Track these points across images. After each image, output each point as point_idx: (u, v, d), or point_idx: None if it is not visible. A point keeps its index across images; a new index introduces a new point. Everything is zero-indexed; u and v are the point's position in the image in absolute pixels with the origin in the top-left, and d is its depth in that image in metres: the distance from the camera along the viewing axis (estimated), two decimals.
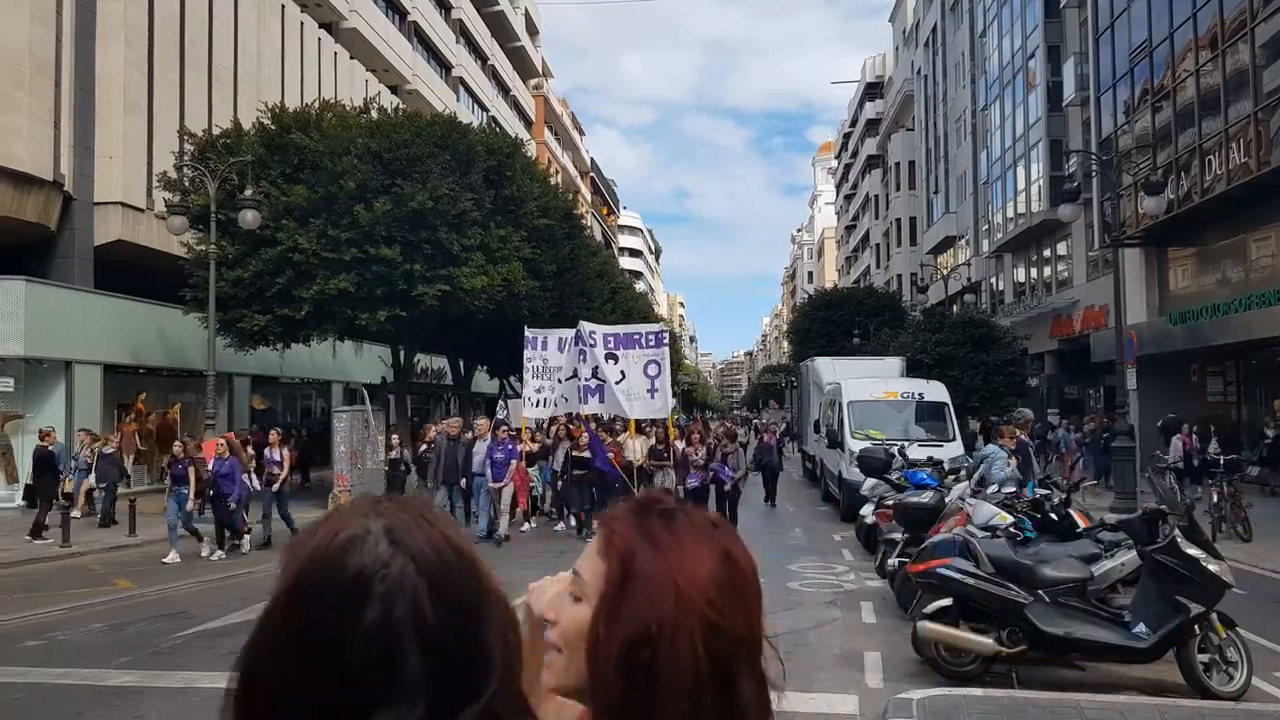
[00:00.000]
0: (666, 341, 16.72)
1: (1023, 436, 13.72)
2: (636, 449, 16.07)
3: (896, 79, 63.05)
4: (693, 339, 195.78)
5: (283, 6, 29.91)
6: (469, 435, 16.29)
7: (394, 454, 17.81)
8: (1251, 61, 19.78)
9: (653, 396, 16.24)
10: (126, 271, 22.50)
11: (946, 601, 7.17)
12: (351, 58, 35.01)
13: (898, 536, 10.24)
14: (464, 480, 15.57)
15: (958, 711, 6.01)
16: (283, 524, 14.69)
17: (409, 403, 25.69)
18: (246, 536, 14.34)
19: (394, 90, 38.46)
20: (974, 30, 43.47)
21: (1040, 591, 7.02)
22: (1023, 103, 35.21)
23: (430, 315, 19.73)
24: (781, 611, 9.71)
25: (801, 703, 6.67)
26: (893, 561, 9.76)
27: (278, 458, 14.90)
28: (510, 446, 15.52)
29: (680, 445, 17.38)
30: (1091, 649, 6.93)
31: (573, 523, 16.30)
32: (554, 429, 17.73)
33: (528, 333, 17.69)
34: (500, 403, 22.43)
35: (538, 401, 17.39)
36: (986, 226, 40.67)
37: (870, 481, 13.30)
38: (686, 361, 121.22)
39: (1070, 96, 31.25)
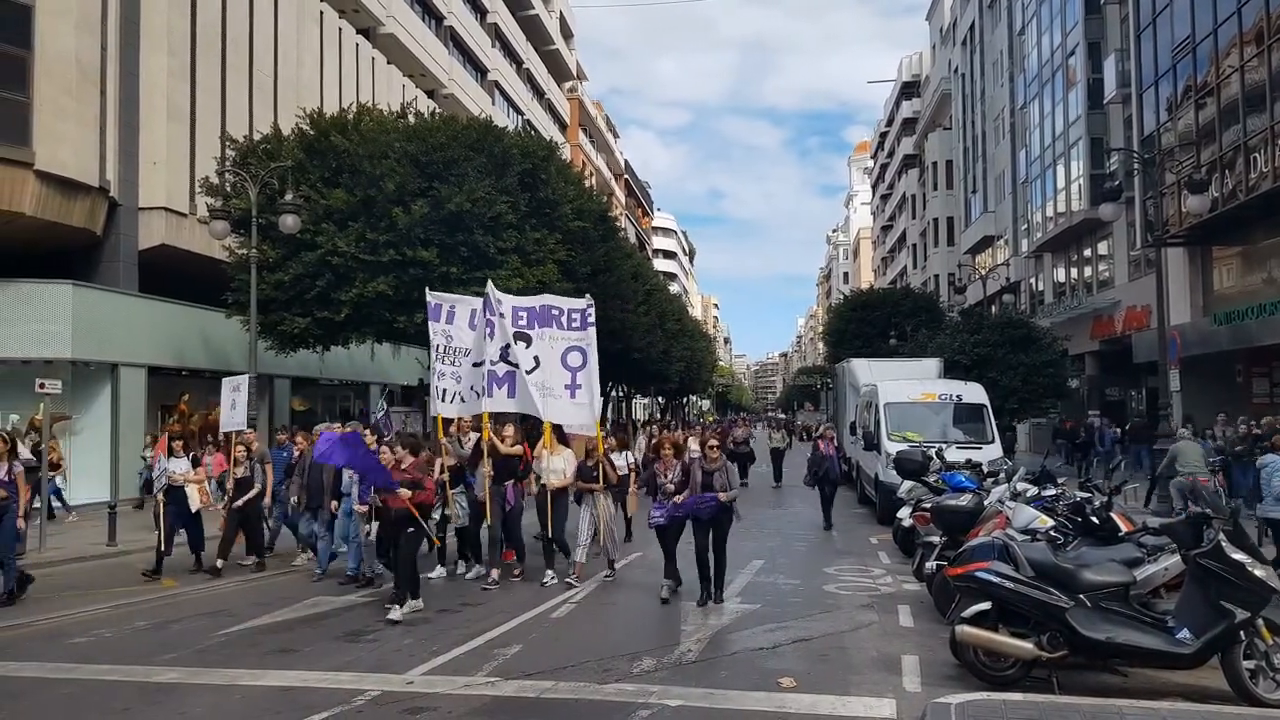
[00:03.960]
0: (592, 322, 12.32)
1: None
2: (557, 467, 11.73)
3: (933, 78, 62.54)
4: (727, 340, 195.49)
5: (321, 13, 30.28)
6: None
7: (241, 469, 12.93)
8: None
9: (573, 396, 12.00)
10: (170, 275, 22.90)
11: (985, 605, 7.11)
12: (389, 63, 35.34)
13: (935, 539, 10.16)
14: (336, 503, 11.92)
15: (997, 716, 5.95)
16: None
17: None
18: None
19: (430, 95, 38.80)
20: (1012, 28, 43.03)
21: (1081, 596, 6.94)
22: (1062, 100, 34.77)
23: None
24: (818, 614, 9.68)
25: (839, 706, 6.66)
26: (930, 565, 9.69)
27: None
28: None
29: (629, 459, 14.59)
30: (1134, 654, 6.83)
31: (481, 569, 11.89)
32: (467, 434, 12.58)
33: (429, 297, 12.93)
34: (380, 401, 17.58)
35: (442, 393, 12.53)
36: (1025, 226, 40.21)
37: (907, 484, 13.20)
38: (721, 363, 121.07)
39: (1111, 94, 30.80)
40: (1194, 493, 14.03)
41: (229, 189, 20.00)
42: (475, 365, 12.32)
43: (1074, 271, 36.89)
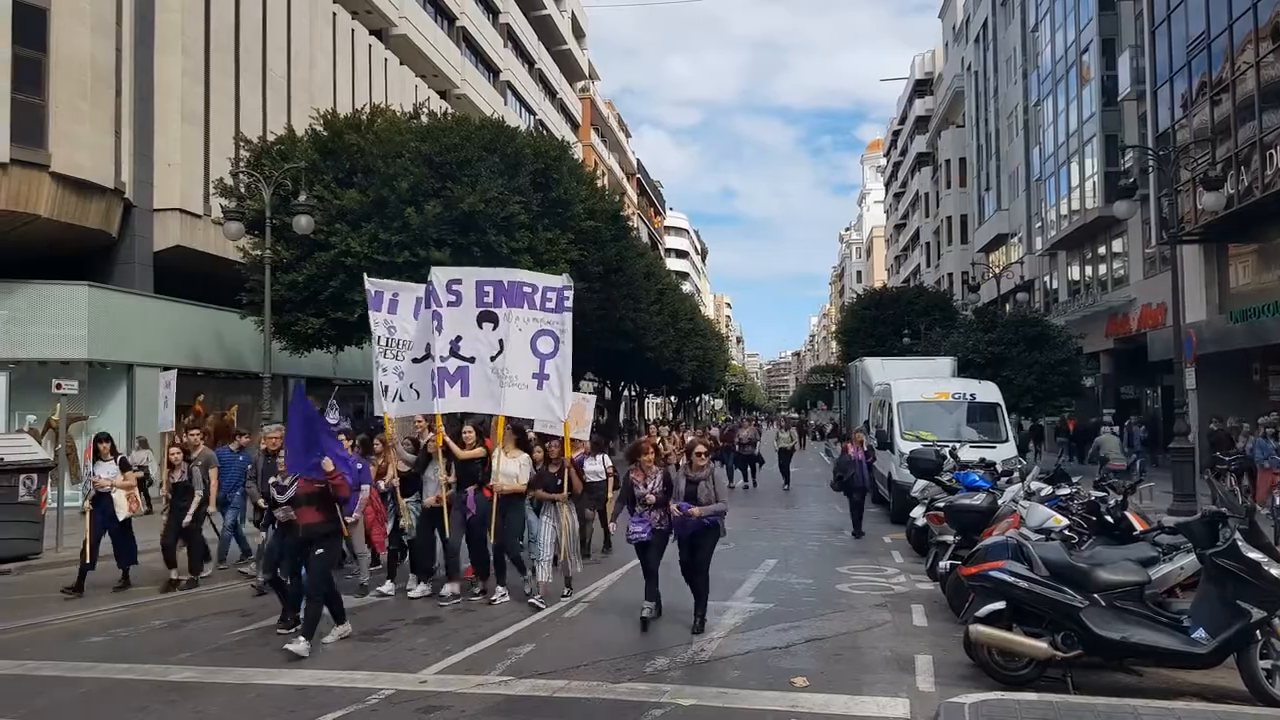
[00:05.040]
0: (570, 305, 10.76)
1: None
2: (510, 471, 10.19)
3: (947, 75, 62.32)
4: (740, 340, 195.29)
5: (334, 15, 30.39)
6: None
7: (178, 474, 11.60)
8: None
9: (541, 386, 10.52)
10: (185, 276, 23.02)
11: (999, 605, 7.09)
12: (401, 64, 35.44)
13: (949, 539, 10.13)
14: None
15: (1011, 716, 5.94)
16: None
17: None
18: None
19: (443, 95, 38.89)
20: (1025, 25, 42.81)
21: (1096, 595, 6.91)
22: (1076, 98, 34.58)
23: None
24: (831, 614, 9.67)
25: (852, 706, 6.65)
26: (944, 564, 9.66)
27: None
28: (360, 465, 10.35)
29: (605, 463, 13.21)
30: (1149, 654, 6.80)
31: (426, 588, 10.72)
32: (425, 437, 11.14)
33: (367, 284, 11.77)
34: (331, 399, 15.77)
35: (385, 390, 11.28)
36: (1039, 224, 40.02)
37: (921, 483, 13.18)
38: (734, 363, 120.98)
39: (1126, 91, 30.62)
40: (1212, 488, 13.97)
41: (243, 190, 20.10)
42: (416, 361, 11.12)
43: (1088, 269, 36.70)
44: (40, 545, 13.46)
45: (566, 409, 10.62)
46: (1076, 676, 6.96)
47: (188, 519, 11.38)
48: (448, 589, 10.47)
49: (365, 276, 12.23)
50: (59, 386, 14.78)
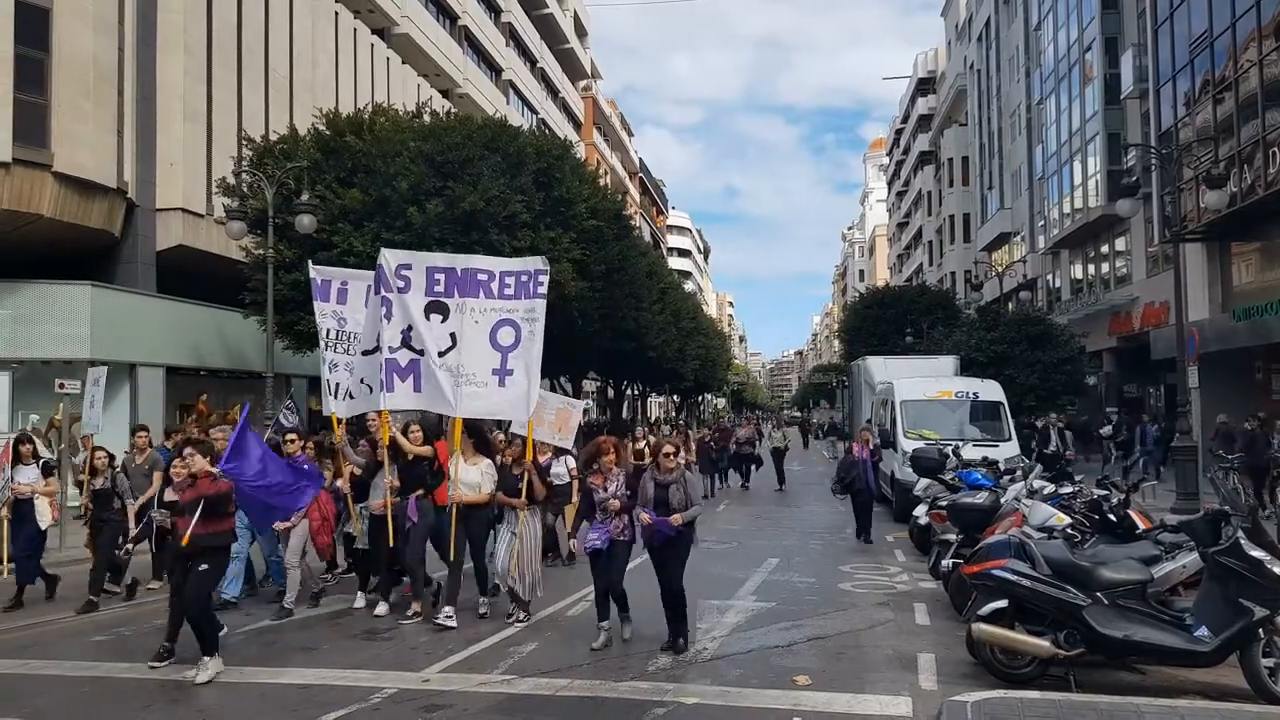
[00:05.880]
0: (543, 292, 9.56)
1: None
2: (471, 479, 9.30)
3: (949, 74, 62.27)
4: (742, 338, 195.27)
5: (336, 14, 30.40)
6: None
7: (100, 480, 10.60)
8: None
9: (503, 383, 9.39)
10: (187, 276, 23.04)
11: (1002, 603, 7.09)
12: (403, 63, 35.45)
13: (952, 537, 10.13)
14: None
15: (1013, 714, 5.94)
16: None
17: None
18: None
19: (445, 94, 38.90)
20: (1028, 23, 42.78)
21: (1098, 593, 6.91)
22: (1079, 96, 34.54)
23: None
24: (833, 612, 9.67)
25: (854, 704, 6.65)
26: (947, 563, 9.66)
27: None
28: (306, 466, 9.85)
29: (568, 465, 11.90)
30: (1151, 652, 6.80)
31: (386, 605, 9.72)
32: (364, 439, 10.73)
33: (312, 272, 10.95)
34: (287, 398, 14.67)
35: (334, 388, 10.48)
36: (1042, 222, 39.98)
37: (924, 482, 13.19)
38: (736, 362, 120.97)
39: (1128, 89, 30.58)
40: (1215, 486, 13.99)
41: (245, 189, 20.12)
42: (367, 354, 10.11)
43: (1091, 268, 36.66)
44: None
45: (532, 407, 9.47)
46: (1079, 675, 6.96)
47: (125, 549, 10.26)
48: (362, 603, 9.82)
49: (309, 264, 11.11)
50: (61, 386, 14.81)
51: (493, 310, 9.52)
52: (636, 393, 55.59)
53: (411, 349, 9.52)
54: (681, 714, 6.49)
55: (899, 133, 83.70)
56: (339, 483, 10.42)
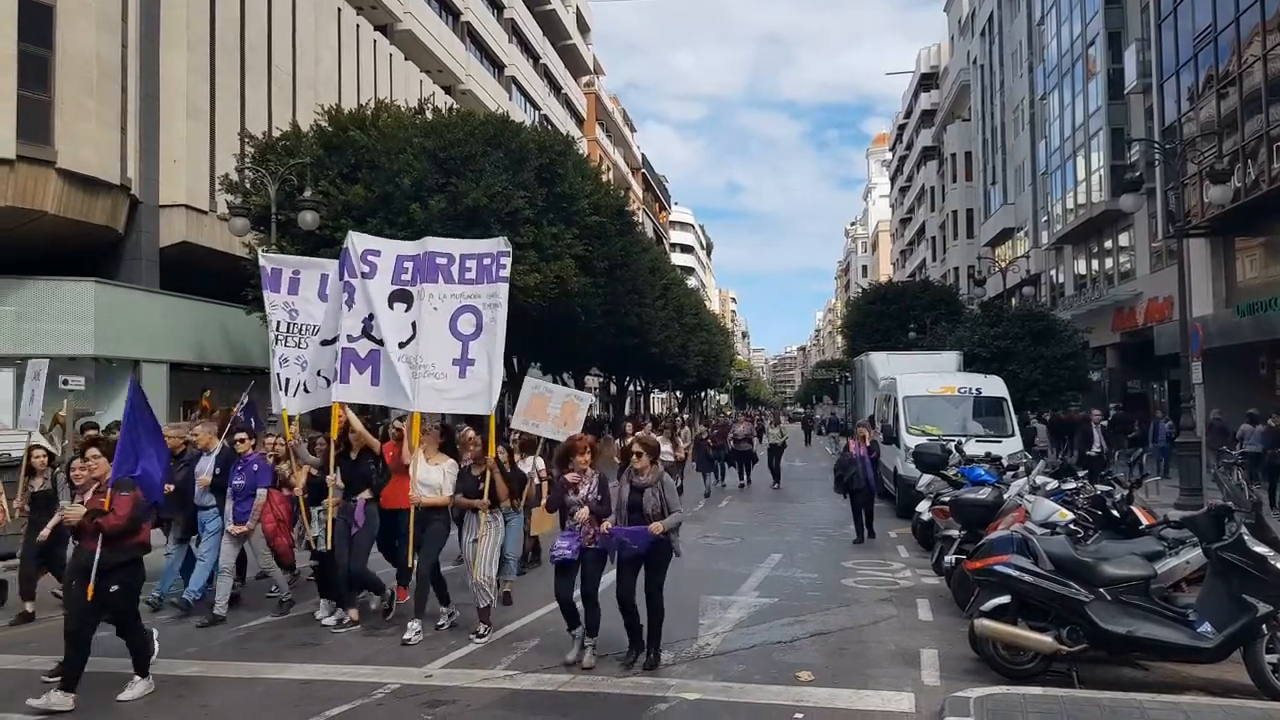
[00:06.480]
0: (505, 275, 8.89)
1: None
2: (432, 480, 8.60)
3: (952, 69, 62.17)
4: (745, 334, 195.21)
5: (339, 10, 30.40)
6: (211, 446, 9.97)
7: (40, 481, 9.63)
8: None
9: (464, 374, 8.77)
10: (191, 272, 23.07)
11: (1005, 599, 7.09)
12: (406, 59, 35.45)
13: (954, 533, 10.12)
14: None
15: (1016, 710, 5.94)
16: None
17: None
18: None
19: (448, 90, 38.90)
20: (1031, 18, 42.69)
21: (1101, 589, 6.90)
22: (1082, 91, 34.49)
23: None
24: (836, 608, 9.67)
25: (857, 700, 6.65)
26: (949, 558, 9.65)
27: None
28: (256, 466, 9.55)
29: (536, 465, 9.96)
30: (1154, 648, 6.79)
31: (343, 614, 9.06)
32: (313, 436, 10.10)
33: (261, 260, 10.38)
34: (245, 394, 12.54)
35: (285, 384, 9.84)
36: (1046, 218, 39.93)
37: (927, 478, 13.18)
38: (739, 358, 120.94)
39: (1132, 84, 30.53)
40: (1218, 482, 13.96)
41: (248, 186, 20.13)
42: (326, 344, 9.33)
43: (1095, 263, 36.61)
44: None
45: (494, 399, 8.81)
46: (1082, 671, 6.96)
47: (44, 533, 8.90)
48: (348, 615, 9.03)
49: (260, 253, 10.26)
50: (65, 383, 14.85)
51: (453, 296, 8.87)
52: (639, 389, 55.60)
53: (372, 339, 8.94)
54: (684, 710, 6.49)
55: (902, 128, 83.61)
56: (289, 488, 9.75)
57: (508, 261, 8.93)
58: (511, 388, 32.02)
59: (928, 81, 70.42)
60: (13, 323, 19.08)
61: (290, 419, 9.85)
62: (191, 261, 23.20)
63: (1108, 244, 35.06)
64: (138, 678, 6.98)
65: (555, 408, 9.68)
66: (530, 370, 30.62)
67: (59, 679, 6.72)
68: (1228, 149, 22.47)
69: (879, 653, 7.96)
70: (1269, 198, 21.19)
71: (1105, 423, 23.39)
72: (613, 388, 47.84)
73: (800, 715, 6.36)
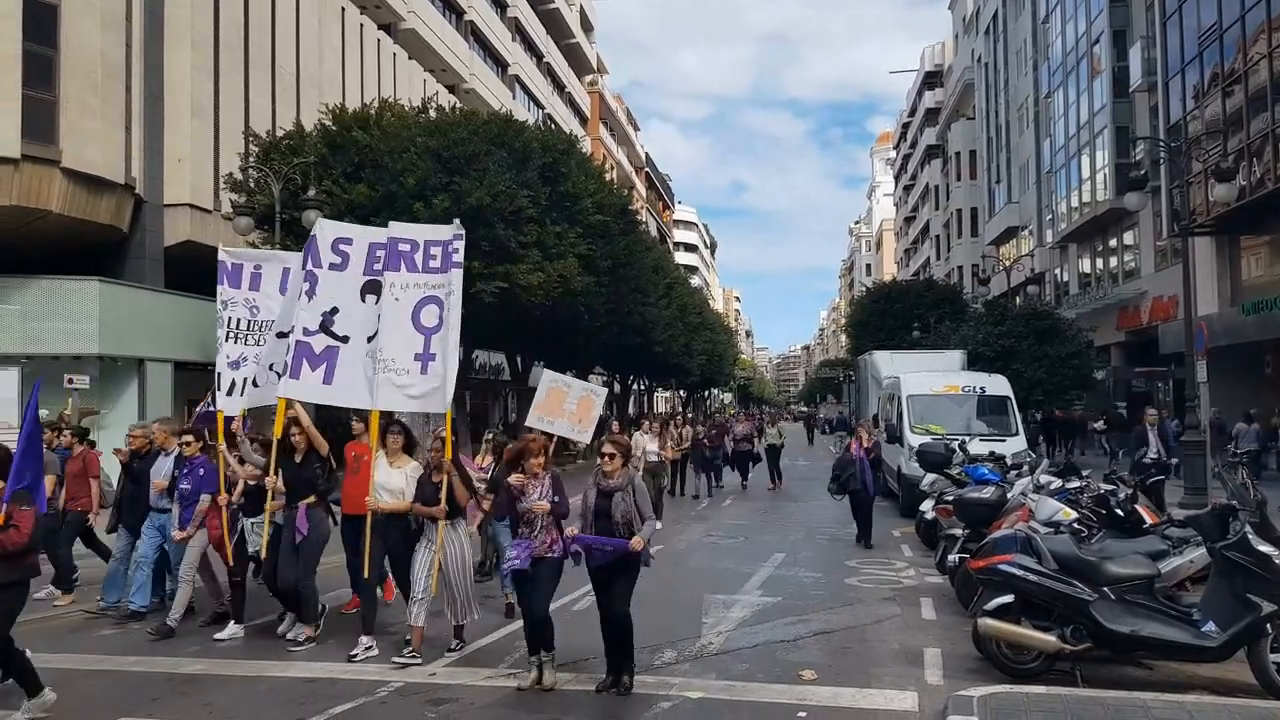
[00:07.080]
0: (459, 260, 8.29)
1: None
2: (395, 484, 8.02)
3: (956, 67, 62.09)
4: (749, 333, 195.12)
5: (343, 9, 30.42)
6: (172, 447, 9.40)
7: None
8: None
9: (425, 370, 8.13)
10: (195, 271, 23.04)
11: (1008, 598, 7.08)
12: (410, 58, 35.46)
13: (958, 532, 10.11)
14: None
15: (1020, 709, 5.93)
16: None
17: (467, 399, 25.98)
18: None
19: (451, 89, 38.91)
20: (1036, 16, 42.63)
21: (1105, 588, 6.89)
22: (1087, 89, 34.44)
23: (488, 311, 19.94)
24: (839, 607, 9.67)
25: (860, 699, 6.65)
26: (953, 557, 9.65)
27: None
28: (203, 470, 8.95)
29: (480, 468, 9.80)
30: (1158, 647, 6.78)
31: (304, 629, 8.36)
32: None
33: (221, 254, 9.55)
34: (209, 396, 10.85)
35: (231, 384, 9.25)
36: (1050, 216, 39.88)
37: (930, 477, 13.16)
38: (743, 356, 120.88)
39: (1137, 82, 30.48)
40: (1223, 481, 13.92)
41: (252, 185, 20.16)
42: (281, 336, 8.65)
43: (1099, 262, 36.55)
44: None
45: (449, 396, 8.11)
46: (1085, 670, 6.95)
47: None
48: (300, 631, 8.38)
49: (220, 247, 9.69)
50: (70, 381, 14.87)
51: (416, 286, 8.21)
52: (643, 388, 55.63)
53: (332, 334, 8.30)
54: (687, 709, 6.49)
55: (906, 127, 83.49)
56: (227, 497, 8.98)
57: (460, 245, 8.34)
58: (515, 385, 32.11)
59: (932, 80, 70.32)
60: (18, 322, 19.10)
61: (228, 419, 9.07)
62: (196, 260, 23.16)
63: (1112, 242, 35.01)
64: (28, 699, 6.32)
65: (572, 403, 9.31)
66: (535, 367, 30.64)
67: None
68: (1233, 147, 22.43)
69: (882, 652, 7.95)
70: (1274, 196, 21.16)
71: (1101, 424, 23.29)
72: (616, 387, 47.84)
73: (804, 714, 6.35)
